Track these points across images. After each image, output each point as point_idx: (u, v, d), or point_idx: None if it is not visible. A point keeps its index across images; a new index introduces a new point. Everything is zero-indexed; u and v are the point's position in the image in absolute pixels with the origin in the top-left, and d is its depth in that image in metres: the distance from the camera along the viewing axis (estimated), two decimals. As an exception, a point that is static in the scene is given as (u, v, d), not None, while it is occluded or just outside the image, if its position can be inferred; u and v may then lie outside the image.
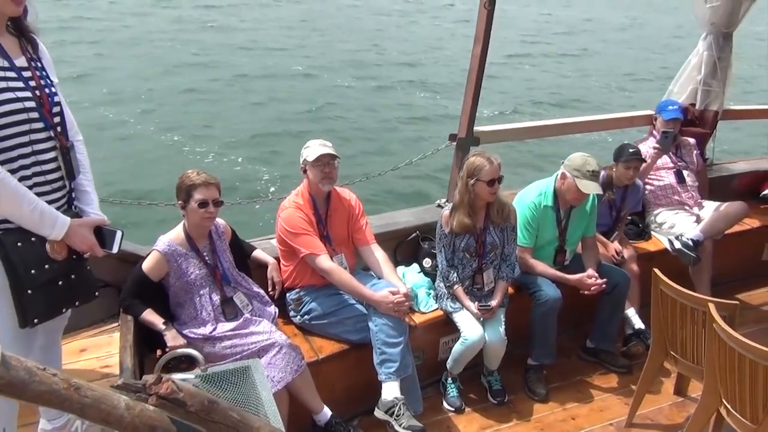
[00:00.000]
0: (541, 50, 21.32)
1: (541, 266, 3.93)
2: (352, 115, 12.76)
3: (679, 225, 4.67)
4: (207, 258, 3.21)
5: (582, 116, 5.59)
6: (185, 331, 3.10)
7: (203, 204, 3.07)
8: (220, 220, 3.32)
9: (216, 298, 3.18)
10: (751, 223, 5.15)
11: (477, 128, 4.41)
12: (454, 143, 4.39)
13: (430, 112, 13.23)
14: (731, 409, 2.91)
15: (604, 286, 3.82)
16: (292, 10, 23.79)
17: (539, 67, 18.95)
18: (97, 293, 2.46)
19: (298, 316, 3.56)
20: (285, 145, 10.02)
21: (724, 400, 2.97)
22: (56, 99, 2.28)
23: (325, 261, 3.40)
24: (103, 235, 2.39)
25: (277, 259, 3.60)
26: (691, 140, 5.11)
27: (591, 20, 28.30)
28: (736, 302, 3.06)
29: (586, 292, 3.83)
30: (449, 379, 3.74)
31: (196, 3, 22.93)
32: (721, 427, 3.11)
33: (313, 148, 3.45)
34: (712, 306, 2.92)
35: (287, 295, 3.59)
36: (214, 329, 3.11)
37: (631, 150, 4.30)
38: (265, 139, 10.84)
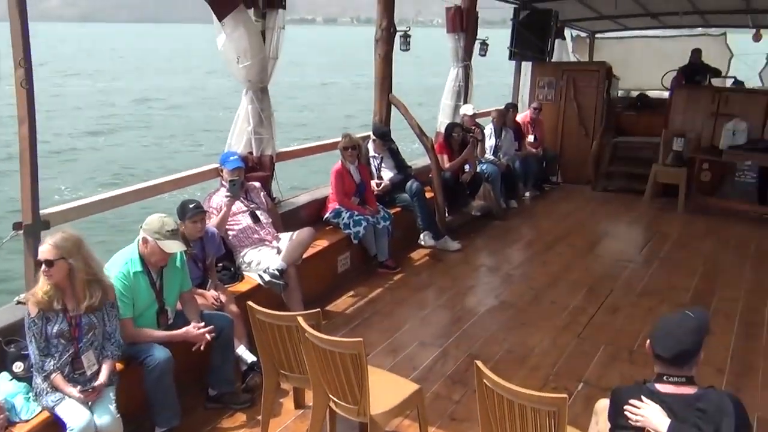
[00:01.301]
0: (113, 122, 20.81)
1: (145, 333, 3.90)
2: None
3: (264, 260, 5.15)
4: None
5: (156, 179, 5.65)
6: None
7: None
8: None
9: None
10: (322, 243, 5.99)
11: (44, 211, 4.14)
12: (21, 231, 4.04)
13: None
14: (337, 401, 3.37)
15: (212, 333, 3.98)
16: None
17: (114, 140, 18.49)
18: None
19: None
20: None
21: (330, 396, 3.41)
22: None
23: None
24: None
25: None
26: (257, 184, 5.69)
27: (156, 89, 28.80)
28: (318, 310, 3.56)
29: (196, 344, 3.94)
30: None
31: None
32: (336, 419, 3.57)
33: None
34: (300, 318, 3.34)
35: None
36: None
37: (191, 206, 4.49)
38: None
